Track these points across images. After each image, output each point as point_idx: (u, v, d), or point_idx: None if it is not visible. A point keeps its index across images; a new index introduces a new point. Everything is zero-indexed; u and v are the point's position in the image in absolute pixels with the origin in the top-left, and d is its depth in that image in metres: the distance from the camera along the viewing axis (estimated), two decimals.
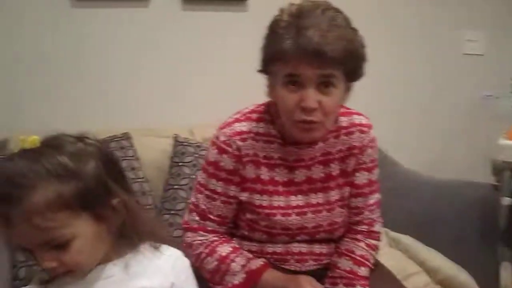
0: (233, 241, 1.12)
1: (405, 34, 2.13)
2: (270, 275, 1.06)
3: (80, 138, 0.72)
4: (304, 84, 0.95)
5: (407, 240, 1.46)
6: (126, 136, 1.57)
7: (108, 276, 0.73)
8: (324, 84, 0.96)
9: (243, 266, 1.06)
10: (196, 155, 1.55)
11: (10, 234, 0.66)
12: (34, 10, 1.65)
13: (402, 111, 2.11)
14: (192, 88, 1.82)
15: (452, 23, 2.21)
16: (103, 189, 0.70)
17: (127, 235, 0.74)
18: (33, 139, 0.68)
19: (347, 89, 1.03)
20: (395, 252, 1.41)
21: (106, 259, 0.74)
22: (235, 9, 1.87)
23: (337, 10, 0.98)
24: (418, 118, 2.16)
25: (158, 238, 0.80)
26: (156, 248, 0.78)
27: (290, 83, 0.97)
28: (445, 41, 2.21)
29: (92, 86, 1.74)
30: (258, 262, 1.07)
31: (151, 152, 1.58)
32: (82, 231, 0.68)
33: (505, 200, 1.27)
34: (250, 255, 1.09)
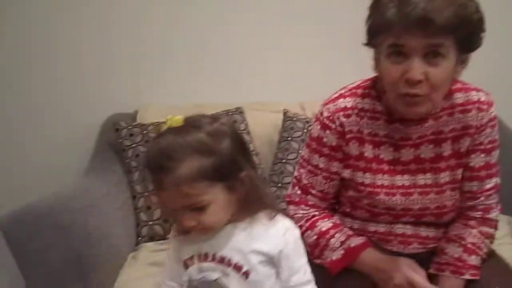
0: (334, 217, 1.12)
1: None
2: (369, 254, 1.03)
3: (215, 119, 0.83)
4: (409, 54, 0.89)
5: None
6: (239, 111, 1.64)
7: (233, 236, 0.84)
8: (432, 55, 0.88)
9: (342, 242, 1.06)
10: (305, 131, 1.56)
11: (161, 196, 0.78)
12: None
13: None
14: (302, 64, 1.81)
15: None
16: (234, 164, 0.80)
17: (249, 204, 0.83)
18: (178, 119, 0.79)
19: (461, 61, 0.94)
20: None
21: (231, 222, 0.84)
22: None
23: None
24: None
25: (273, 209, 0.88)
26: (271, 217, 0.86)
27: (394, 54, 0.91)
28: None
29: (209, 62, 1.82)
30: (358, 240, 1.06)
31: (261, 126, 1.63)
32: (216, 198, 0.79)
33: None
34: (351, 232, 1.08)
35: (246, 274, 0.82)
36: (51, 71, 1.77)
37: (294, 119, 1.61)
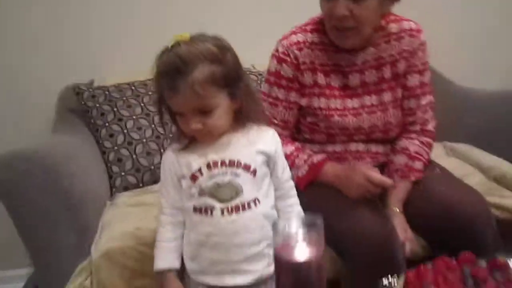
0: (296, 143, 1.25)
1: None
2: (330, 166, 1.18)
3: (215, 37, 0.92)
4: None
5: (463, 147, 1.52)
6: None
7: (236, 142, 0.95)
8: None
9: (305, 160, 1.20)
10: (259, 82, 1.68)
11: (175, 101, 0.89)
12: None
13: (460, 32, 2.07)
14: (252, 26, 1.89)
15: None
16: (237, 74, 0.92)
17: (245, 114, 0.96)
18: (185, 35, 0.89)
19: (389, 0, 1.12)
20: (451, 159, 1.48)
21: (229, 130, 0.96)
22: None
23: None
24: (476, 39, 2.11)
25: (263, 119, 1.02)
26: (261, 125, 1.00)
27: None
28: None
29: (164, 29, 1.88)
30: (319, 157, 1.20)
31: None
32: (222, 103, 0.91)
33: None
34: (312, 152, 1.22)
35: (254, 172, 0.95)
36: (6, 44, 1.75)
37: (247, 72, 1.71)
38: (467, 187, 1.17)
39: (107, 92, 1.58)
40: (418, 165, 1.21)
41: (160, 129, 1.52)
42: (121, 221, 1.17)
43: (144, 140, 1.50)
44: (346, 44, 1.16)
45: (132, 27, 1.84)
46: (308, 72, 1.20)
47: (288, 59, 1.19)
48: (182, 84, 0.86)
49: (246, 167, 0.94)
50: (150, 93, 1.61)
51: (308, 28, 1.22)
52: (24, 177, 1.02)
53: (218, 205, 0.93)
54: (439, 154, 1.51)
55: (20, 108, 1.79)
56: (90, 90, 1.60)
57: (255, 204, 0.94)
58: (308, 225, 0.53)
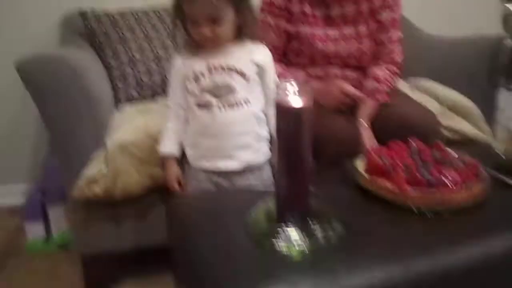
0: (283, 64, 1.45)
1: None
2: (313, 83, 1.39)
3: None
4: None
5: (424, 81, 1.75)
6: None
7: (235, 51, 1.16)
8: None
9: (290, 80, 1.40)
10: None
11: (193, 8, 1.07)
12: None
13: None
14: None
15: None
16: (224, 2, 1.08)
17: (244, 29, 1.16)
18: None
19: None
20: (414, 91, 1.71)
21: (230, 42, 1.15)
22: None
23: None
24: None
25: (258, 37, 1.22)
26: (255, 42, 1.20)
27: None
28: None
29: None
30: (301, 74, 1.42)
31: None
32: (229, 15, 1.10)
33: (509, 42, 1.52)
34: (295, 70, 1.43)
35: (247, 78, 1.16)
36: None
37: None
38: (423, 108, 1.41)
39: (112, 18, 1.73)
40: (384, 88, 1.43)
41: (160, 51, 1.69)
42: (131, 120, 1.36)
43: (146, 60, 1.67)
44: None
45: None
46: (296, 2, 1.39)
47: None
48: None
49: (241, 73, 1.15)
50: (151, 20, 1.76)
51: None
52: (54, 74, 1.19)
53: (215, 101, 1.14)
54: (404, 87, 1.73)
55: (22, 35, 1.91)
56: (96, 15, 1.74)
57: (246, 104, 1.16)
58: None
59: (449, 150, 0.98)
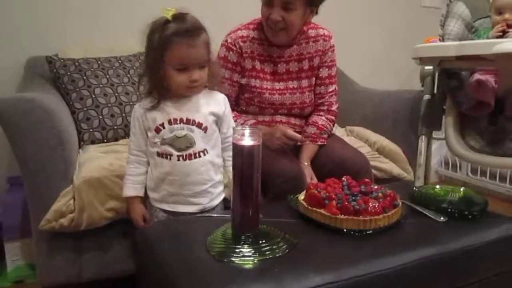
0: (235, 112, 1.64)
1: None
2: (263, 129, 1.58)
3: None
4: (273, 5, 1.50)
5: (359, 129, 2.00)
6: None
7: (192, 102, 1.28)
8: (286, 6, 1.49)
9: (242, 124, 1.60)
10: None
11: (189, 55, 1.19)
12: None
13: (364, 44, 2.64)
14: None
15: None
16: (208, 51, 1.24)
17: (212, 80, 1.30)
18: (173, 9, 1.20)
19: (310, 11, 1.56)
20: (350, 137, 1.95)
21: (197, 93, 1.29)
22: None
23: None
24: (375, 52, 2.70)
25: (219, 85, 1.37)
26: (215, 90, 1.35)
27: (265, 4, 1.52)
28: None
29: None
30: (252, 121, 1.62)
31: None
32: (209, 65, 1.26)
33: (425, 96, 1.81)
34: (247, 118, 1.63)
35: (205, 129, 1.28)
36: None
37: None
38: (356, 150, 1.64)
39: (76, 63, 1.87)
40: (323, 134, 1.66)
41: (123, 97, 1.84)
42: (96, 159, 1.48)
43: (109, 105, 1.81)
44: (277, 41, 1.59)
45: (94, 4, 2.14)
46: (248, 59, 1.60)
47: (234, 48, 1.59)
48: (198, 40, 1.19)
49: (199, 125, 1.27)
50: (114, 67, 1.92)
51: (251, 26, 1.63)
52: (26, 114, 1.30)
53: (175, 153, 1.25)
54: (341, 134, 1.98)
55: None
56: (62, 60, 1.87)
57: (204, 154, 1.28)
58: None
59: (374, 185, 1.19)
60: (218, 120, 1.33)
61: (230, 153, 1.35)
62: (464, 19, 1.86)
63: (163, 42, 1.18)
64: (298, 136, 1.54)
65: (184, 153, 1.26)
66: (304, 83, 1.66)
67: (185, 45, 1.18)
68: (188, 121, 1.26)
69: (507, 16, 1.63)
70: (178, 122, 1.25)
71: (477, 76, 1.69)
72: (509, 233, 1.08)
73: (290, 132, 1.51)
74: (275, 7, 1.49)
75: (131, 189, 1.31)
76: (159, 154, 1.27)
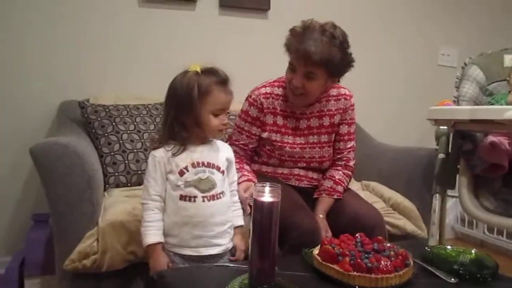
0: (244, 162, 1.71)
1: (392, 46, 2.80)
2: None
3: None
4: (296, 71, 1.59)
5: (375, 184, 2.05)
6: None
7: (211, 149, 1.38)
8: (308, 75, 1.57)
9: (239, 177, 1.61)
10: None
11: (222, 100, 1.32)
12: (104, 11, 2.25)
13: (383, 101, 2.74)
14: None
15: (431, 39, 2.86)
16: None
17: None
18: (198, 65, 1.32)
19: (331, 81, 1.64)
20: (365, 192, 2.00)
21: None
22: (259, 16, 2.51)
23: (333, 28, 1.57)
24: (393, 108, 2.79)
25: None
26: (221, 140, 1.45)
27: (290, 68, 1.61)
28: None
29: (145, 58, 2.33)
30: (244, 178, 1.61)
31: None
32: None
33: (440, 155, 1.86)
34: (246, 170, 1.67)
35: (223, 172, 1.38)
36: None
37: None
38: (371, 206, 1.68)
39: (107, 109, 1.99)
40: (339, 188, 1.71)
41: (148, 144, 1.93)
42: (120, 203, 1.56)
43: (135, 150, 1.90)
44: (296, 104, 1.68)
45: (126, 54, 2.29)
46: (269, 115, 1.69)
47: (255, 103, 1.68)
48: (231, 90, 1.34)
49: (218, 168, 1.37)
50: (141, 114, 2.03)
51: (276, 84, 1.72)
52: (61, 159, 1.40)
53: (200, 194, 1.32)
54: (357, 188, 2.03)
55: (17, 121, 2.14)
56: (93, 105, 1.99)
57: (223, 195, 1.37)
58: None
59: (387, 243, 1.23)
60: (229, 166, 1.44)
61: (236, 198, 1.47)
62: (478, 82, 1.94)
63: (204, 89, 1.29)
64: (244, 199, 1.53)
65: (208, 194, 1.32)
66: (324, 138, 1.73)
67: (224, 92, 1.32)
68: (209, 165, 1.35)
69: None
70: (200, 165, 1.33)
71: (491, 138, 1.75)
72: None
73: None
74: (297, 74, 1.58)
75: (155, 236, 1.30)
76: (182, 197, 1.31)
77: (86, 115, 1.96)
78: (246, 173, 1.64)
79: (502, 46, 1.96)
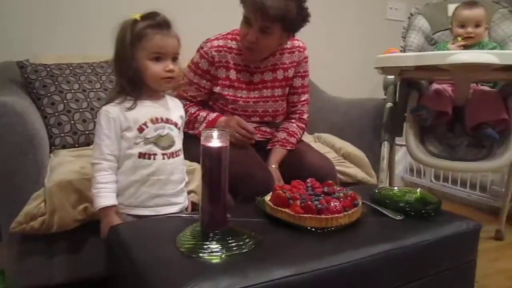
0: (199, 106, 1.70)
1: (344, 2, 2.81)
2: (222, 121, 1.64)
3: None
4: (251, 25, 1.55)
5: (326, 136, 2.08)
6: None
7: (166, 104, 1.32)
8: (263, 29, 1.54)
9: (204, 117, 1.65)
10: None
11: (165, 43, 1.21)
12: None
13: (334, 55, 2.75)
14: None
15: None
16: (179, 46, 1.27)
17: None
18: (140, 14, 1.23)
19: (287, 35, 1.61)
20: (317, 143, 2.03)
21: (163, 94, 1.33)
22: None
23: None
24: (345, 62, 2.81)
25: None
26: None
27: (245, 22, 1.57)
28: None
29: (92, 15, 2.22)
30: (214, 114, 1.66)
31: None
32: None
33: (388, 104, 1.91)
34: (209, 111, 1.68)
35: (179, 129, 1.34)
36: None
37: None
38: (322, 155, 1.71)
39: (48, 69, 1.88)
40: (292, 139, 1.72)
41: (95, 103, 1.86)
42: (67, 163, 1.50)
43: (81, 110, 1.82)
44: (250, 59, 1.65)
45: (65, 13, 2.18)
46: (221, 69, 1.66)
47: (206, 56, 1.64)
48: (172, 33, 1.23)
49: (175, 124, 1.33)
50: (86, 73, 1.94)
51: (229, 36, 1.68)
52: (1, 118, 1.32)
53: (160, 151, 1.27)
54: (309, 141, 2.05)
55: None
56: (33, 65, 1.88)
57: (181, 152, 1.35)
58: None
59: (337, 186, 1.26)
60: (182, 123, 1.38)
61: None
62: (424, 32, 1.99)
63: (136, 34, 1.20)
64: (251, 128, 1.59)
65: (167, 151, 1.28)
66: (278, 92, 1.72)
67: (160, 34, 1.21)
68: (167, 121, 1.29)
69: (469, 29, 1.75)
70: (159, 121, 1.27)
71: (435, 85, 1.80)
72: (460, 229, 1.17)
73: (244, 122, 1.57)
74: (253, 28, 1.54)
75: (109, 198, 1.23)
76: (142, 155, 1.25)
77: (25, 75, 1.84)
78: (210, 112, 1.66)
79: None
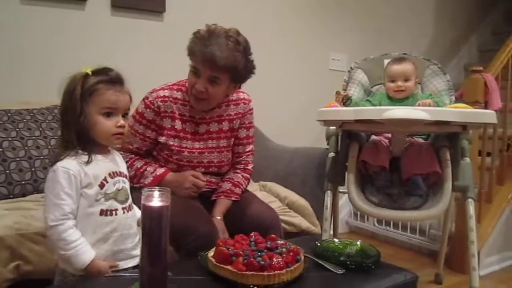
0: (146, 159, 1.68)
1: (289, 53, 2.91)
2: (169, 176, 1.64)
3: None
4: (200, 75, 1.57)
5: (271, 185, 2.11)
6: None
7: (116, 158, 1.30)
8: (212, 80, 1.57)
9: (152, 172, 1.63)
10: None
11: (118, 100, 1.20)
12: None
13: (279, 105, 2.83)
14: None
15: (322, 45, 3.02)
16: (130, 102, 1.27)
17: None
18: (91, 67, 1.22)
19: (233, 86, 1.65)
20: (262, 192, 2.05)
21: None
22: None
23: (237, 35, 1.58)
24: (289, 111, 2.90)
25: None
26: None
27: (193, 72, 1.59)
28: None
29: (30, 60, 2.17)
30: (162, 170, 1.65)
31: None
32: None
33: (330, 154, 1.97)
34: (157, 166, 1.67)
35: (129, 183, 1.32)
36: None
37: None
38: (267, 206, 1.72)
39: None
40: (237, 190, 1.72)
41: (33, 151, 1.79)
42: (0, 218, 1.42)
43: (17, 159, 1.75)
44: (198, 108, 1.66)
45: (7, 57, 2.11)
46: (167, 119, 1.65)
47: (152, 106, 1.64)
48: (124, 89, 1.22)
49: (126, 177, 1.31)
50: (25, 120, 1.88)
51: (175, 87, 1.69)
52: None
53: (120, 206, 1.24)
54: (255, 189, 2.07)
55: None
56: None
57: (133, 206, 1.31)
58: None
59: (280, 240, 1.26)
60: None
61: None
62: (363, 85, 2.10)
63: (87, 89, 1.18)
64: (203, 184, 1.61)
65: (125, 205, 1.25)
66: (223, 143, 1.73)
67: (112, 90, 1.20)
68: (121, 174, 1.27)
69: (399, 83, 1.87)
70: (116, 175, 1.25)
71: (373, 137, 1.89)
72: (398, 281, 1.20)
73: (200, 182, 1.58)
74: (201, 78, 1.56)
75: (90, 251, 1.16)
76: (104, 212, 1.20)
77: None
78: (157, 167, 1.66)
79: (386, 51, 2.13)
